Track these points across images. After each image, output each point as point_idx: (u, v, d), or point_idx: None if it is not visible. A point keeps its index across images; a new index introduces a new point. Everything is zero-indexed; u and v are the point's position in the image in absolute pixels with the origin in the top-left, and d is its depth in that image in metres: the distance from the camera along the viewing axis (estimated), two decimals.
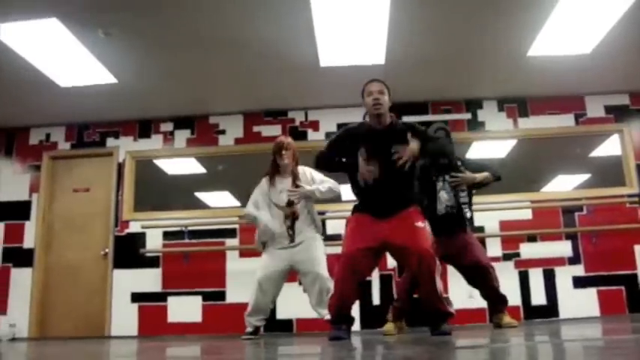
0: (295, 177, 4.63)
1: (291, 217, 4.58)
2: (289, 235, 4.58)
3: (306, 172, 4.72)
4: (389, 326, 4.47)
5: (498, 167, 4.73)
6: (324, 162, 3.92)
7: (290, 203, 4.57)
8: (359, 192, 3.80)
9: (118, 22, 4.73)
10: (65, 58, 5.20)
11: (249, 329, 4.56)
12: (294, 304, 5.80)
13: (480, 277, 4.38)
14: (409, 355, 2.25)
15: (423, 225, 3.63)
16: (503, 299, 4.45)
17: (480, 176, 4.48)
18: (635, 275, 5.90)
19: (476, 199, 6.23)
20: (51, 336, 6.22)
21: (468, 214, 4.44)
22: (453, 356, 2.26)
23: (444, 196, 4.38)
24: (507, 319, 4.39)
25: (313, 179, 4.67)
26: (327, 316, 3.89)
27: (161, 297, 6.17)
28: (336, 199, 4.75)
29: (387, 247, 3.70)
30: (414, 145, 3.65)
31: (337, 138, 3.85)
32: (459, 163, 4.53)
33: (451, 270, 5.92)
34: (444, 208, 4.36)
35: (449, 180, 4.42)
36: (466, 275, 4.51)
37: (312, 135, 6.56)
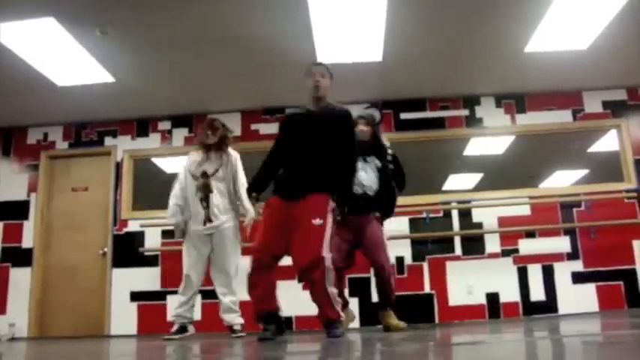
0: (221, 162, 4.67)
1: (204, 191, 4.58)
2: (203, 209, 4.57)
3: (232, 160, 4.71)
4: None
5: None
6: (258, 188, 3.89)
7: (204, 174, 4.59)
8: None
9: (115, 21, 4.72)
10: (62, 57, 5.19)
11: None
12: (293, 301, 5.80)
13: (380, 278, 4.31)
14: (409, 352, 2.26)
15: (321, 221, 3.53)
16: (392, 301, 4.38)
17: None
18: (634, 270, 5.91)
19: (475, 195, 6.30)
20: (50, 335, 6.21)
21: None
22: (453, 352, 2.26)
23: (362, 176, 4.33)
24: (395, 321, 4.33)
25: (236, 173, 4.69)
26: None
27: (160, 295, 6.17)
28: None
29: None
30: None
31: (281, 130, 3.95)
32: (389, 151, 4.47)
33: (450, 265, 5.97)
34: (360, 188, 4.30)
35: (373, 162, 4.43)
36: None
37: None
